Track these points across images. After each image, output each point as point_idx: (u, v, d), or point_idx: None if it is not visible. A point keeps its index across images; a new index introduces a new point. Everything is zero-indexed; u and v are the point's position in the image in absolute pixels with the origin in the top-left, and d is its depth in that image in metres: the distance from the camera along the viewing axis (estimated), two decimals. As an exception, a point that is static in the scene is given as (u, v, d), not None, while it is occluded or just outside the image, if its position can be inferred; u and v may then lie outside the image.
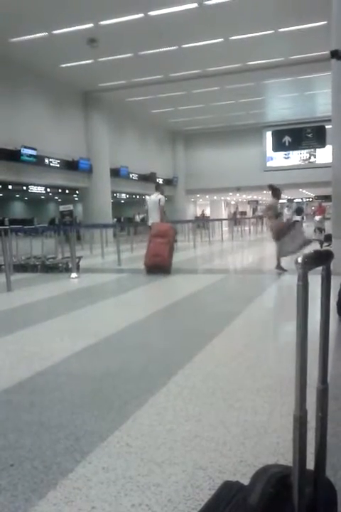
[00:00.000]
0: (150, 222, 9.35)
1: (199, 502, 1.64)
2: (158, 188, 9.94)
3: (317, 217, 20.14)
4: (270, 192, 8.62)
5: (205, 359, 3.36)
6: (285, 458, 1.88)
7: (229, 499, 0.96)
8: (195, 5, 12.58)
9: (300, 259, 0.99)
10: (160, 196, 9.48)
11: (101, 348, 3.81)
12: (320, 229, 19.79)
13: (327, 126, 11.63)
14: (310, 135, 11.69)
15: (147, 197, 10.22)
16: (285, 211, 31.52)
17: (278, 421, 2.30)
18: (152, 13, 12.95)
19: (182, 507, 1.62)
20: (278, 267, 7.98)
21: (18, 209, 29.02)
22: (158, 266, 8.37)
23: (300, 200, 44.60)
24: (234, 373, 3.03)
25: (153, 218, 9.32)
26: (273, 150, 15.79)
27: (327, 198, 40.57)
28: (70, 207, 10.80)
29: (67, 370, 3.24)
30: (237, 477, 1.76)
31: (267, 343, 3.91)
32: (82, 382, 3.00)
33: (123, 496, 1.69)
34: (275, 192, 8.50)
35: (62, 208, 11.03)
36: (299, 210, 24.48)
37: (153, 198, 9.57)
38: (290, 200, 41.65)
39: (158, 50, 15.74)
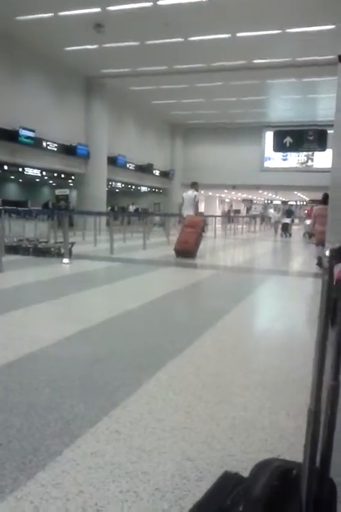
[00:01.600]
0: (185, 214, 10.57)
1: (186, 492, 1.65)
2: (194, 185, 10.93)
3: (308, 221, 19.50)
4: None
5: (196, 352, 3.37)
6: (274, 454, 1.90)
7: (229, 490, 0.96)
8: (204, -2, 12.51)
9: (327, 253, 0.99)
10: (196, 193, 10.74)
11: (91, 334, 3.80)
12: (309, 234, 19.22)
13: (328, 131, 11.67)
14: (311, 138, 11.72)
15: (184, 193, 11.23)
16: (272, 212, 31.65)
17: (267, 418, 2.31)
18: (161, 2, 12.87)
19: (170, 496, 1.62)
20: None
21: (11, 190, 28.80)
22: (186, 251, 9.81)
23: (292, 203, 44.71)
24: (225, 367, 3.05)
25: (188, 211, 10.52)
26: (273, 150, 15.78)
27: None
28: (66, 191, 10.79)
29: (56, 353, 3.23)
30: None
31: (257, 340, 3.93)
32: (72, 366, 2.99)
33: (111, 482, 1.70)
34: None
35: (58, 191, 11.00)
36: (289, 212, 24.03)
37: (190, 193, 10.79)
38: (284, 202, 41.78)
39: (164, 41, 15.66)
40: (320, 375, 1.01)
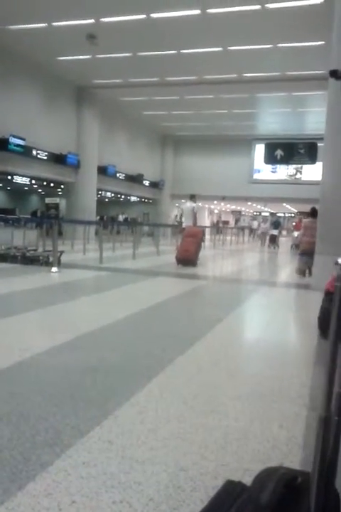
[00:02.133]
0: (184, 225, 11.53)
1: (180, 502, 1.63)
2: (193, 198, 12.04)
3: (296, 233, 19.47)
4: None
5: (188, 362, 3.36)
6: (266, 464, 1.89)
7: (234, 497, 0.95)
8: (197, 11, 12.65)
9: (339, 260, 0.99)
10: (194, 205, 11.72)
11: (81, 343, 3.77)
12: (297, 246, 19.35)
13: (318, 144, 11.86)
14: (301, 151, 11.90)
15: (183, 205, 12.56)
16: (254, 223, 31.75)
17: (258, 428, 2.31)
18: (154, 15, 12.97)
19: (164, 507, 1.60)
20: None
21: (-1, 198, 28.58)
22: (187, 259, 10.44)
23: (281, 215, 44.99)
24: (216, 378, 3.04)
25: (188, 222, 11.45)
26: (264, 162, 15.97)
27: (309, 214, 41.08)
28: (57, 200, 10.74)
29: (47, 362, 3.20)
30: (219, 481, 1.77)
31: (248, 349, 3.94)
32: (62, 375, 2.96)
33: (104, 492, 1.67)
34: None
35: (48, 200, 10.98)
36: (276, 224, 23.49)
37: (188, 205, 11.90)
38: (272, 214, 42.03)
39: (156, 53, 15.76)
40: (331, 382, 1.01)
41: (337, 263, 1.00)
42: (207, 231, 24.61)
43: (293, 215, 44.92)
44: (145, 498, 1.65)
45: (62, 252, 9.44)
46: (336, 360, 1.02)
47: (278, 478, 0.98)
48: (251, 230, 31.79)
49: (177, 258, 10.63)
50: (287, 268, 13.71)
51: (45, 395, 2.58)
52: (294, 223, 30.99)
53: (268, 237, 22.89)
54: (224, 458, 1.97)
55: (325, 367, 1.05)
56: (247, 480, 1.53)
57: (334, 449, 1.03)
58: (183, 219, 11.85)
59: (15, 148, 16.81)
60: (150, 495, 1.67)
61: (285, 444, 2.14)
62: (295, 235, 19.63)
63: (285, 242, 26.47)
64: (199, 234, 11.03)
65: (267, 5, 12.02)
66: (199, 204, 37.86)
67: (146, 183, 29.51)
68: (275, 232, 22.15)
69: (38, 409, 2.38)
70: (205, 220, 38.95)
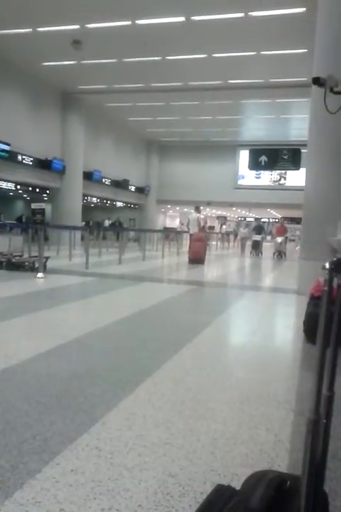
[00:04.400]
0: (191, 231, 13.96)
1: (169, 508, 1.63)
2: (198, 209, 14.76)
3: (279, 239, 18.48)
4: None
5: (175, 367, 3.36)
6: (255, 468, 1.90)
7: (224, 501, 0.96)
8: (182, 19, 12.75)
9: (327, 265, 1.00)
10: (198, 214, 14.40)
11: (67, 350, 3.75)
12: (280, 253, 18.35)
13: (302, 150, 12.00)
14: (285, 157, 12.05)
15: (189, 215, 15.05)
16: (224, 227, 31.66)
17: (246, 432, 2.32)
18: (139, 21, 13.03)
19: (153, 513, 1.61)
20: None
21: (-17, 203, 28.24)
22: (198, 259, 13.14)
23: (266, 220, 45.22)
24: (203, 383, 3.05)
25: (194, 229, 13.90)
26: (249, 168, 16.12)
27: (293, 220, 41.49)
28: (42, 205, 10.66)
29: (33, 369, 3.17)
30: (208, 486, 1.77)
31: (235, 354, 3.96)
32: (49, 382, 2.93)
33: (93, 500, 1.67)
34: None
35: (34, 205, 10.88)
36: (259, 229, 21.18)
37: (194, 215, 14.45)
38: (257, 219, 42.28)
39: (141, 59, 15.82)
40: (320, 386, 1.02)
41: (324, 268, 1.01)
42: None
43: (276, 220, 45.16)
44: (134, 504, 1.65)
45: (47, 258, 9.38)
46: (324, 364, 1.03)
47: (267, 481, 0.99)
48: (236, 235, 31.93)
49: (190, 258, 13.32)
50: (268, 278, 13.78)
51: (31, 402, 2.55)
52: (275, 229, 24.48)
53: (248, 244, 21.22)
54: (212, 463, 1.98)
55: (313, 370, 1.07)
56: (236, 484, 1.55)
57: (322, 451, 1.04)
58: (190, 226, 14.14)
59: (0, 153, 16.67)
60: (139, 501, 1.67)
61: (273, 448, 2.16)
62: (279, 241, 18.52)
63: (268, 247, 25.69)
64: (204, 238, 13.85)
65: (250, 13, 12.18)
66: (185, 209, 38.20)
67: (132, 188, 29.51)
68: (258, 237, 20.21)
69: (25, 417, 2.36)
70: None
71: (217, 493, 1.03)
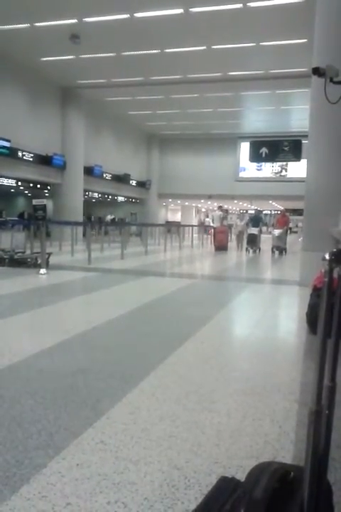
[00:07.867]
0: (215, 225, 17.74)
1: (175, 501, 1.64)
2: (221, 208, 19.09)
3: (277, 232, 15.79)
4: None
5: (179, 360, 3.37)
6: (259, 460, 1.91)
7: (228, 493, 0.97)
8: (180, 11, 12.66)
9: (327, 256, 1.00)
10: (221, 212, 18.25)
11: (71, 345, 3.76)
12: (279, 248, 15.71)
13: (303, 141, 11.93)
14: (286, 148, 11.99)
15: (213, 213, 19.99)
16: (208, 219, 31.27)
17: (251, 424, 2.33)
18: (138, 14, 12.94)
19: (159, 505, 1.62)
20: None
21: (-15, 201, 28.24)
22: (222, 246, 16.95)
23: (267, 212, 44.95)
24: (208, 375, 3.06)
25: (217, 223, 17.75)
26: (249, 160, 16.02)
27: (296, 211, 41.28)
28: (44, 201, 10.65)
29: (38, 365, 3.18)
30: (213, 478, 1.78)
31: (239, 346, 3.96)
32: (54, 378, 2.95)
33: (99, 493, 1.68)
34: None
35: (35, 201, 10.87)
36: (256, 220, 17.78)
37: (217, 213, 18.36)
38: (258, 211, 42.02)
39: (140, 52, 15.72)
40: (321, 376, 1.02)
41: (324, 259, 1.01)
42: (195, 230, 24.53)
43: (278, 212, 44.74)
44: (139, 497, 1.66)
45: (50, 254, 9.39)
46: (325, 354, 1.04)
47: (271, 472, 0.99)
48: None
49: (215, 246, 16.91)
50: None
51: (36, 398, 2.57)
52: (277, 219, 18.90)
53: (246, 237, 17.46)
54: (217, 455, 1.99)
55: (314, 361, 1.07)
56: (240, 476, 1.55)
57: (325, 442, 1.05)
58: (215, 222, 17.95)
59: (0, 150, 16.66)
60: (145, 494, 1.68)
61: (277, 439, 2.17)
62: (276, 234, 15.86)
63: (264, 242, 21.02)
64: (226, 229, 17.82)
65: (249, 4, 12.08)
66: (186, 203, 38.17)
67: (133, 183, 29.44)
68: (254, 230, 16.58)
69: (30, 412, 2.37)
70: (192, 219, 39.03)
71: (221, 485, 1.04)
